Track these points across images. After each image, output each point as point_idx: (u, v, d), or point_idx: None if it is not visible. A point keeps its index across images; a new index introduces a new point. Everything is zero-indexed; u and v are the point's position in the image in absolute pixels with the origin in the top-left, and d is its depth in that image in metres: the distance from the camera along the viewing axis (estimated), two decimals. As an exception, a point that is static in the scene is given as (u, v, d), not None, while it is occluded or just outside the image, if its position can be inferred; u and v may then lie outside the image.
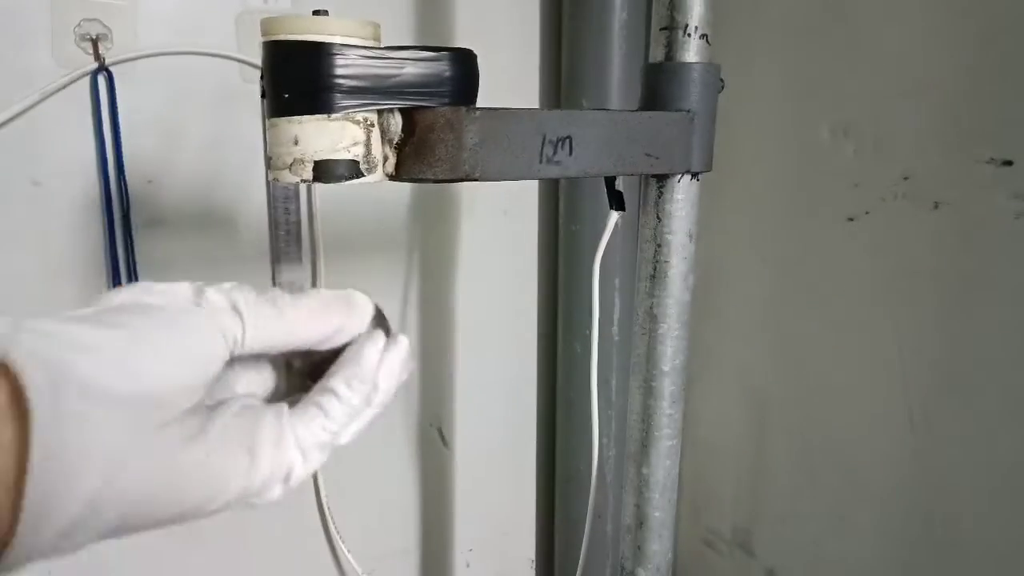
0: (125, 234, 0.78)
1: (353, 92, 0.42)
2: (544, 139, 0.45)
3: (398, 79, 0.42)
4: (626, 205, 0.56)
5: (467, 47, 0.44)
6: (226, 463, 0.27)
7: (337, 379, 0.31)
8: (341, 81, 0.41)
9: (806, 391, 0.88)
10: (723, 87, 0.53)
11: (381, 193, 0.91)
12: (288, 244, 0.86)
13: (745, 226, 0.93)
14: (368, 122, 0.43)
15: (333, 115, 0.42)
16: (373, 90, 0.42)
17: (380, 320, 0.33)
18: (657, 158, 0.51)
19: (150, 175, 0.79)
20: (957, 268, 0.71)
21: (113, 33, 0.75)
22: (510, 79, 0.98)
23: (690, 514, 1.07)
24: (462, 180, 0.43)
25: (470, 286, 1.00)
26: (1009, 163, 0.66)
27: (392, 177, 0.46)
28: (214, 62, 0.80)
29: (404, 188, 0.94)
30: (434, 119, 0.43)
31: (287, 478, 0.29)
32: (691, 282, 0.56)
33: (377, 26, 0.43)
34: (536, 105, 1.01)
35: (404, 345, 0.32)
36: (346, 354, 0.31)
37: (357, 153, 0.43)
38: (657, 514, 0.59)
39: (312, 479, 0.95)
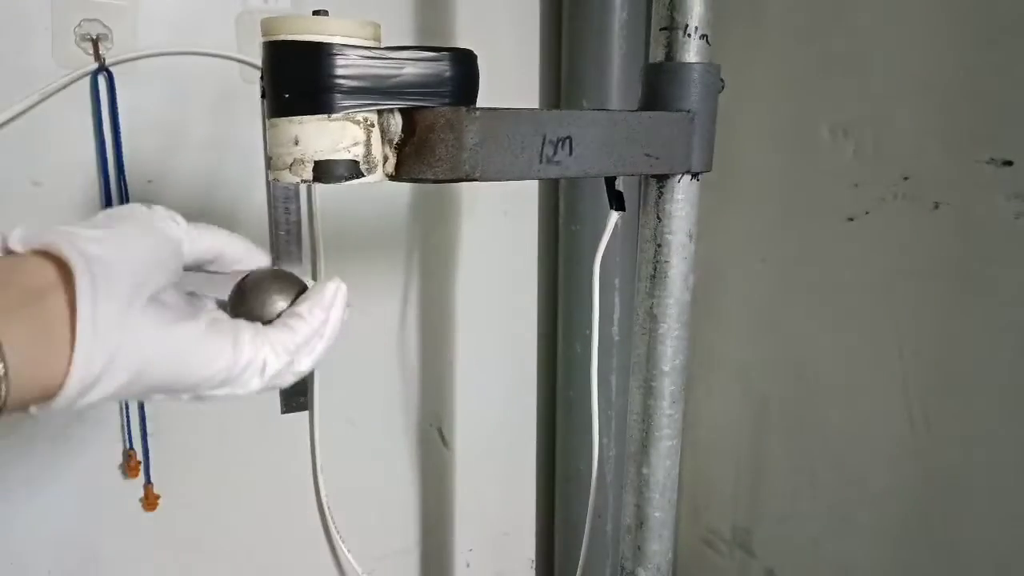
0: (125, 234, 0.78)
1: (353, 92, 0.42)
2: (544, 139, 0.45)
3: (398, 79, 0.42)
4: (626, 205, 0.56)
5: (467, 47, 0.44)
6: (212, 345, 0.35)
7: (302, 306, 0.40)
8: (341, 81, 0.41)
9: (806, 391, 0.88)
10: (723, 87, 0.53)
11: (381, 193, 0.91)
12: (288, 244, 0.86)
13: (745, 226, 0.93)
14: (368, 122, 0.43)
15: (333, 115, 0.42)
16: (373, 90, 0.42)
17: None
18: (657, 158, 0.51)
19: (150, 175, 0.79)
20: (957, 268, 0.71)
21: (113, 33, 0.75)
22: (510, 79, 0.98)
23: (690, 514, 1.07)
24: (462, 180, 0.43)
25: (470, 286, 1.00)
26: (1009, 163, 0.66)
27: (392, 177, 0.46)
28: (214, 62, 0.80)
29: (404, 188, 0.94)
30: (434, 119, 0.43)
31: (263, 370, 0.37)
32: (691, 282, 0.56)
33: (377, 26, 0.43)
34: (536, 105, 1.01)
35: (345, 287, 0.42)
36: (309, 292, 0.41)
37: (357, 153, 0.43)
38: (657, 514, 0.59)
39: (312, 479, 0.95)
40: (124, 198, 0.78)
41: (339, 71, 0.41)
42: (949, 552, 0.75)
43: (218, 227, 0.41)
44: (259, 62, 0.43)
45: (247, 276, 0.42)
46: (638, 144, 0.50)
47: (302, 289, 0.42)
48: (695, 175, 0.53)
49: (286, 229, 0.86)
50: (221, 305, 0.41)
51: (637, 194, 0.56)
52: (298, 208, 0.86)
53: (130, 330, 0.32)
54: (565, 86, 0.95)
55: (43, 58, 0.73)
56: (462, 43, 0.44)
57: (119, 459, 0.84)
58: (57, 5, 0.73)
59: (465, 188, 0.97)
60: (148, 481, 0.85)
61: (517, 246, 1.04)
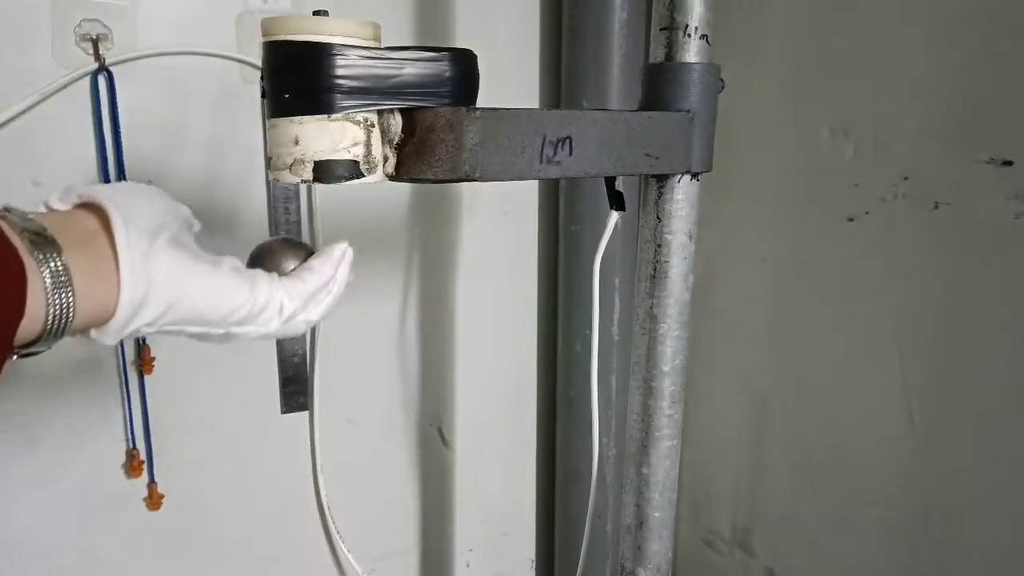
0: (125, 234, 0.78)
1: (353, 92, 0.42)
2: (544, 139, 0.45)
3: (398, 79, 0.42)
4: (626, 205, 0.56)
5: (467, 47, 0.44)
6: (233, 282, 0.40)
7: (314, 262, 0.45)
8: (341, 81, 0.41)
9: (806, 391, 0.88)
10: (723, 87, 0.53)
11: (381, 193, 0.91)
12: (288, 244, 0.86)
13: (745, 226, 0.93)
14: (368, 122, 0.43)
15: (333, 115, 0.42)
16: (373, 90, 0.42)
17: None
18: (657, 158, 0.51)
19: (150, 175, 0.79)
20: (957, 268, 0.71)
21: (113, 33, 0.75)
22: (510, 79, 0.98)
23: (690, 514, 1.07)
24: (462, 180, 0.43)
25: (470, 286, 1.00)
26: (1009, 163, 0.66)
27: (392, 177, 0.46)
28: (214, 62, 0.80)
29: (404, 188, 0.94)
30: (434, 119, 0.43)
31: (280, 310, 0.42)
32: (691, 282, 0.56)
33: (377, 26, 0.43)
34: (536, 105, 1.01)
35: (351, 250, 0.46)
36: (320, 251, 0.45)
37: (357, 153, 0.43)
38: (657, 514, 0.59)
39: (312, 479, 0.95)
40: (124, 198, 0.78)
41: (339, 71, 0.41)
42: (949, 552, 0.75)
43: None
44: (259, 62, 0.43)
45: (261, 243, 0.46)
46: (638, 144, 0.50)
47: (310, 253, 0.46)
48: (695, 175, 0.53)
49: (286, 229, 0.86)
50: None
51: (637, 194, 0.56)
52: (298, 208, 0.86)
53: (161, 263, 0.37)
54: (565, 86, 0.95)
55: (43, 58, 0.73)
56: (462, 43, 0.44)
57: (122, 459, 0.84)
58: (57, 5, 0.73)
59: (465, 188, 0.97)
60: (152, 480, 0.85)
61: (517, 246, 1.04)
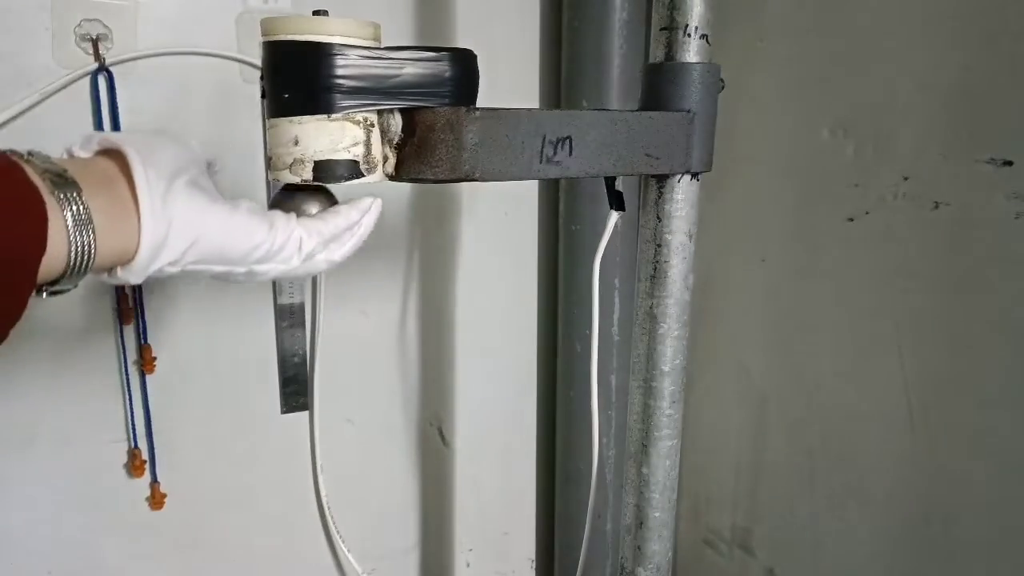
0: (125, 234, 0.78)
1: (353, 92, 0.42)
2: (544, 139, 0.45)
3: (398, 79, 0.42)
4: (626, 205, 0.56)
5: (467, 47, 0.45)
6: (252, 221, 0.42)
7: (341, 206, 0.46)
8: (341, 81, 0.41)
9: (806, 391, 0.88)
10: (723, 87, 0.53)
11: (381, 193, 0.91)
12: (288, 244, 0.86)
13: (745, 226, 0.93)
14: (368, 122, 0.43)
15: (333, 115, 0.42)
16: (373, 90, 0.42)
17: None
18: (657, 158, 0.51)
19: (150, 175, 0.79)
20: (957, 268, 0.71)
21: (113, 33, 0.75)
22: (510, 79, 0.98)
23: (690, 514, 1.07)
24: (462, 180, 0.43)
25: (470, 286, 1.00)
26: (1009, 163, 0.66)
27: (392, 177, 0.46)
28: (214, 62, 0.80)
29: (404, 188, 0.94)
30: (434, 119, 0.43)
31: (300, 247, 0.43)
32: (691, 282, 0.56)
33: (377, 26, 0.43)
34: (536, 105, 1.01)
35: (380, 202, 0.47)
36: (353, 199, 0.47)
37: (357, 153, 0.43)
38: (657, 514, 0.59)
39: (312, 479, 0.95)
40: (124, 198, 0.78)
41: (339, 71, 0.41)
42: (949, 552, 0.75)
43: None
44: (259, 62, 0.43)
45: (285, 185, 0.46)
46: (638, 144, 0.50)
47: (334, 202, 0.47)
48: (695, 175, 0.53)
49: (286, 229, 0.86)
50: None
51: (637, 194, 0.56)
52: (298, 208, 0.86)
53: (180, 204, 0.39)
54: (565, 86, 0.95)
55: (43, 58, 0.73)
56: (462, 43, 0.44)
57: (123, 458, 0.84)
58: (57, 5, 0.73)
59: (465, 188, 0.97)
60: (155, 480, 0.85)
61: (517, 246, 1.04)
